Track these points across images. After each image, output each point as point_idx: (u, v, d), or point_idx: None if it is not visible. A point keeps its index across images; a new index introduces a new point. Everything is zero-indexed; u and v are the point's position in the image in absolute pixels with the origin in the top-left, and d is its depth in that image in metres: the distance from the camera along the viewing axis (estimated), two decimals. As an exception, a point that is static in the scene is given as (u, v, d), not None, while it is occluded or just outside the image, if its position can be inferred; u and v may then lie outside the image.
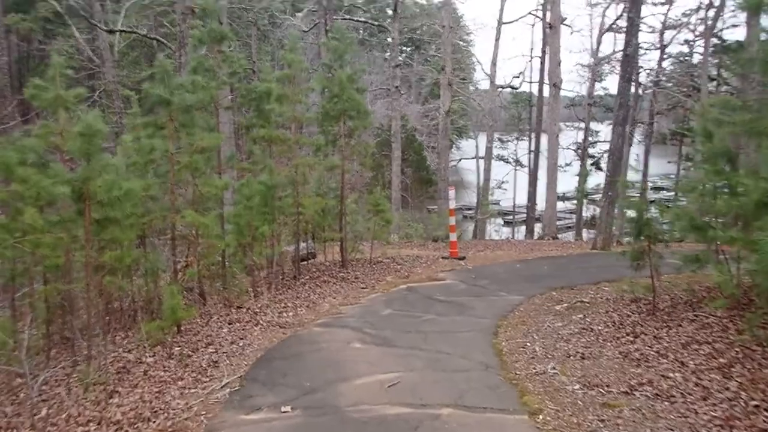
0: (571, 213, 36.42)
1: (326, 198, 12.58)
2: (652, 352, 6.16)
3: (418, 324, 8.11)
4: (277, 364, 6.90)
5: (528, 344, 6.97)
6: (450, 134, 23.93)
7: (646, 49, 35.95)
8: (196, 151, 7.89)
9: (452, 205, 13.28)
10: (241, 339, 7.92)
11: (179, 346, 7.90)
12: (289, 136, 11.59)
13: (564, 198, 38.79)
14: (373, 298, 9.77)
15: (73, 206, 6.73)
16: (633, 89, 26.95)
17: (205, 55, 10.36)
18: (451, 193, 13.45)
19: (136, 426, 5.51)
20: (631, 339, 6.62)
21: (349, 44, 11.96)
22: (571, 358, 6.46)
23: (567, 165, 35.80)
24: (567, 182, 35.67)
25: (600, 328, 7.18)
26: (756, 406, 4.75)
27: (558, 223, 29.01)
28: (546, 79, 27.30)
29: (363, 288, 10.54)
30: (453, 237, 13.32)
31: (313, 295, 10.14)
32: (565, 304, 8.68)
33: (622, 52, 14.58)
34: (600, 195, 34.24)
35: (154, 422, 5.58)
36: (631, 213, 7.32)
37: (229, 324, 8.60)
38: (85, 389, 6.31)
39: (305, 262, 13.09)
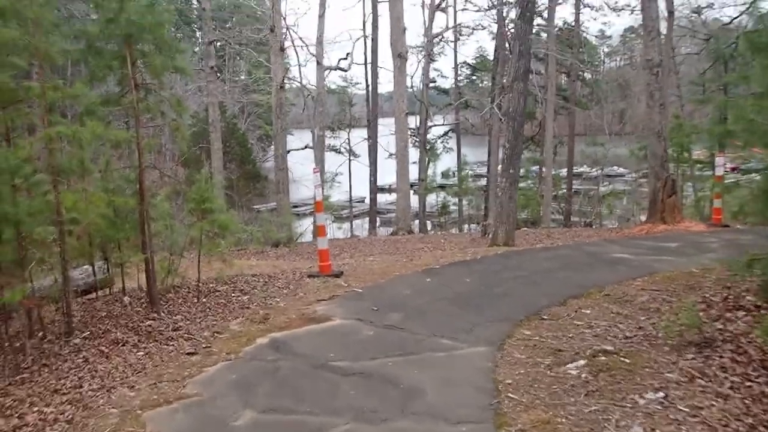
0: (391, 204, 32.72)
1: (119, 195, 7.57)
2: None
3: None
4: None
5: None
6: (285, 114, 19.38)
7: (473, 28, 35.18)
8: None
9: (319, 195, 8.83)
10: None
11: None
12: (33, 87, 6.37)
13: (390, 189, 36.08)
14: (212, 378, 5.05)
15: None
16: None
17: None
18: (317, 177, 9.02)
19: None
20: None
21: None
22: None
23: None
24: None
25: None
26: None
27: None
28: (383, 55, 23.84)
29: (191, 354, 5.70)
30: (323, 243, 8.89)
31: (89, 381, 5.14)
32: (582, 361, 4.76)
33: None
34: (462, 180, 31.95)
35: None
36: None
37: None
38: None
39: (93, 297, 7.98)
